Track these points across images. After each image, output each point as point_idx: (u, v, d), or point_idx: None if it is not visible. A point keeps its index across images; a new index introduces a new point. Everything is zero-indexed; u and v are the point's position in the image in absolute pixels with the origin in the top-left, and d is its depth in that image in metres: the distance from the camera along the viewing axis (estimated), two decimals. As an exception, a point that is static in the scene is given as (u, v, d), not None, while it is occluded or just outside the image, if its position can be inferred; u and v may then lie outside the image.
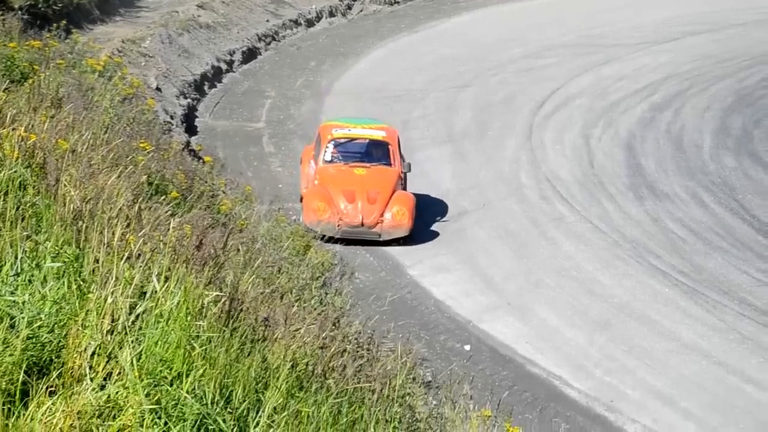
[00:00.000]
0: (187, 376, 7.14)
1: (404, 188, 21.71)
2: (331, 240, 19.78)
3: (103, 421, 6.77)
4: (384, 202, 20.96)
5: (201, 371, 7.23)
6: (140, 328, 7.45)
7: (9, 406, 6.65)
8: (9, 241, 7.86)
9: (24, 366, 6.83)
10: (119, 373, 7.08)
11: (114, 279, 7.62)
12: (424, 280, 19.64)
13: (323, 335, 10.18)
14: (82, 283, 7.68)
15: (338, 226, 20.59)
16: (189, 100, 27.55)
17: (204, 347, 7.41)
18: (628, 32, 37.12)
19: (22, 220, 8.39)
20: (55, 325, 7.24)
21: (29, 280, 7.60)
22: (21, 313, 7.15)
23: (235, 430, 7.03)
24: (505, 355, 17.21)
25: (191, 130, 26.08)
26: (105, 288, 7.53)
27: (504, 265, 20.28)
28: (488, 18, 38.81)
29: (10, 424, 6.54)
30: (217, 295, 8.43)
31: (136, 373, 7.00)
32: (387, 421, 8.78)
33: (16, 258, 7.73)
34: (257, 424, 7.15)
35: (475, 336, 17.74)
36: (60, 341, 7.16)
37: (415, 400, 11.94)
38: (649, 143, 27.00)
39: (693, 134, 27.88)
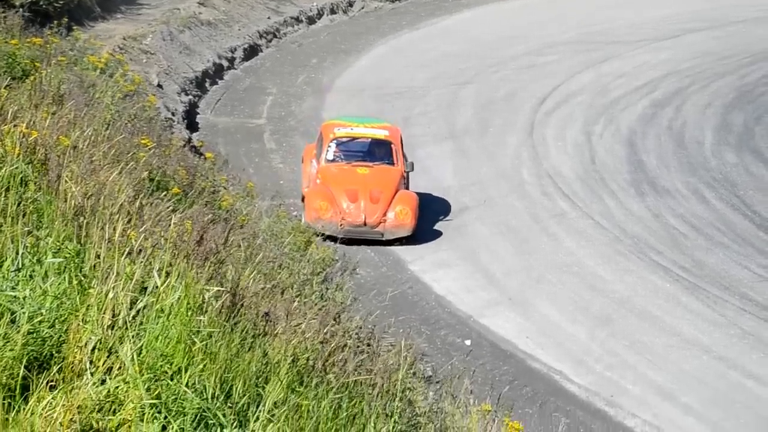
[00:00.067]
0: (188, 371, 7.17)
1: (407, 187, 21.61)
2: (330, 238, 19.74)
3: (104, 416, 6.79)
4: (387, 201, 20.88)
5: (201, 366, 7.25)
6: (141, 323, 7.47)
7: (9, 400, 6.67)
8: (10, 237, 7.89)
9: (24, 361, 6.85)
10: (120, 367, 7.10)
11: (115, 274, 7.64)
12: (425, 276, 19.66)
13: (324, 330, 10.21)
14: (83, 278, 7.71)
15: (341, 225, 20.48)
16: (190, 96, 27.57)
17: (204, 342, 7.44)
18: (628, 29, 37.12)
19: (24, 215, 8.42)
20: (56, 320, 7.26)
21: (30, 276, 7.62)
22: (22, 308, 7.18)
23: (235, 424, 7.05)
24: (506, 350, 17.24)
25: (192, 126, 26.11)
26: (106, 283, 7.56)
27: (505, 261, 20.30)
28: (489, 15, 38.81)
29: (11, 419, 6.56)
30: (218, 291, 8.45)
31: (137, 368, 7.03)
32: (387, 415, 8.80)
33: (17, 253, 7.76)
34: (257, 418, 7.17)
35: (476, 331, 17.76)
36: (60, 336, 7.18)
37: (416, 394, 11.96)
38: (650, 139, 27.01)
39: (694, 130, 27.88)
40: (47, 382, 6.87)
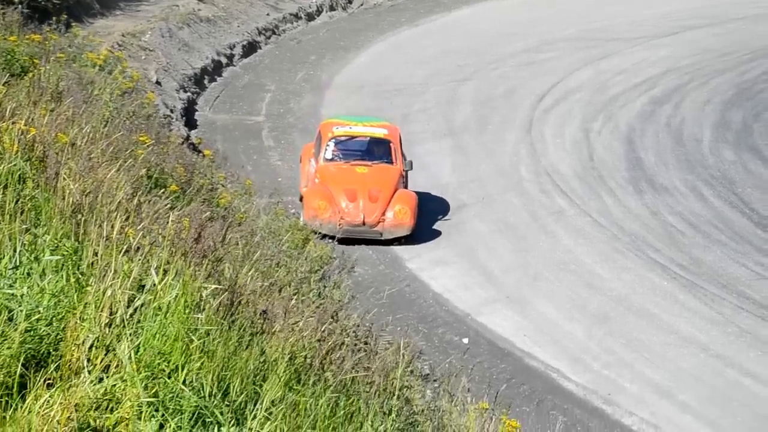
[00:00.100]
0: (185, 368, 7.17)
1: (406, 186, 21.50)
2: (328, 237, 19.71)
3: (101, 414, 6.80)
4: (386, 200, 20.75)
5: (199, 364, 7.26)
6: (138, 321, 7.48)
7: (7, 398, 6.68)
8: (8, 234, 7.89)
9: (22, 359, 6.86)
10: (117, 366, 7.11)
11: (113, 272, 7.65)
12: (422, 274, 19.66)
13: (321, 328, 10.22)
14: (80, 276, 7.72)
15: (339, 225, 20.36)
16: (189, 93, 27.57)
17: (202, 340, 7.45)
18: (627, 26, 37.12)
19: (21, 213, 8.43)
20: (54, 318, 7.27)
21: (28, 273, 7.63)
22: (19, 306, 7.18)
23: (232, 422, 7.06)
24: (504, 348, 17.24)
25: (191, 123, 26.10)
26: (103, 281, 7.57)
27: (503, 259, 20.30)
28: (488, 12, 38.81)
29: (8, 417, 6.57)
30: (216, 288, 8.46)
31: (134, 366, 7.04)
32: (385, 413, 8.81)
33: (14, 251, 7.77)
34: (255, 416, 7.18)
35: (474, 329, 17.76)
36: (58, 334, 7.19)
37: (413, 392, 11.98)
38: (648, 137, 27.01)
39: (693, 128, 27.89)
40: (45, 380, 6.88)
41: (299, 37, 35.04)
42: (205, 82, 29.30)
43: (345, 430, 7.99)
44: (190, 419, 6.93)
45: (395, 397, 9.62)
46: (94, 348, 7.18)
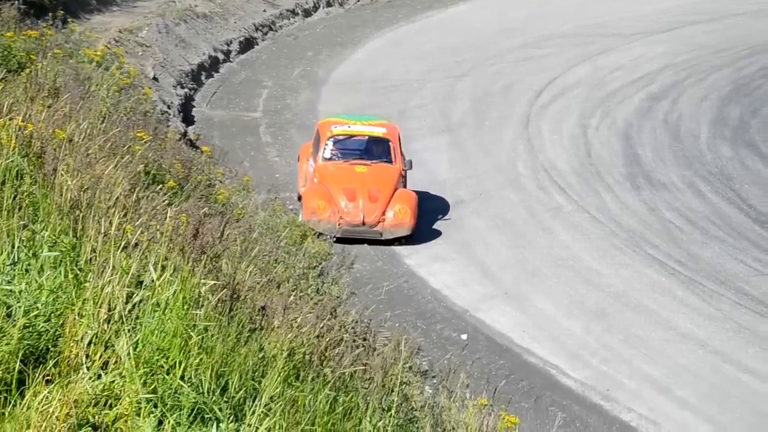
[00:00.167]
0: (184, 365, 7.16)
1: (405, 186, 21.34)
2: (325, 235, 19.65)
3: (100, 410, 6.79)
4: (385, 200, 20.60)
5: (197, 360, 7.25)
6: (137, 318, 7.47)
7: (5, 395, 6.67)
8: (6, 231, 7.88)
9: (20, 355, 6.85)
10: (116, 362, 7.10)
11: (111, 268, 7.63)
12: (421, 270, 19.64)
13: (320, 324, 10.21)
14: (78, 272, 7.70)
15: (339, 225, 20.23)
16: (186, 89, 27.54)
17: (201, 336, 7.43)
18: (625, 22, 37.12)
19: (19, 209, 8.41)
20: (52, 314, 7.25)
21: (26, 270, 7.62)
22: (18, 302, 7.17)
23: (231, 418, 7.05)
24: (502, 344, 17.23)
25: (188, 119, 26.08)
26: (102, 277, 7.55)
27: (501, 255, 20.30)
28: (486, 7, 38.79)
29: (7, 413, 6.56)
30: (214, 285, 8.45)
31: (133, 362, 7.02)
32: (383, 409, 8.80)
33: (12, 247, 7.75)
34: (253, 412, 7.16)
35: (472, 325, 17.76)
36: (56, 330, 7.18)
37: (412, 389, 11.96)
38: (646, 133, 27.01)
39: (690, 124, 27.89)
40: (43, 377, 6.86)
41: (296, 33, 35.01)
42: (202, 78, 29.29)
43: (344, 426, 7.98)
44: (189, 415, 6.91)
45: (394, 393, 9.60)
46: (92, 344, 7.16)
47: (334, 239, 19.53)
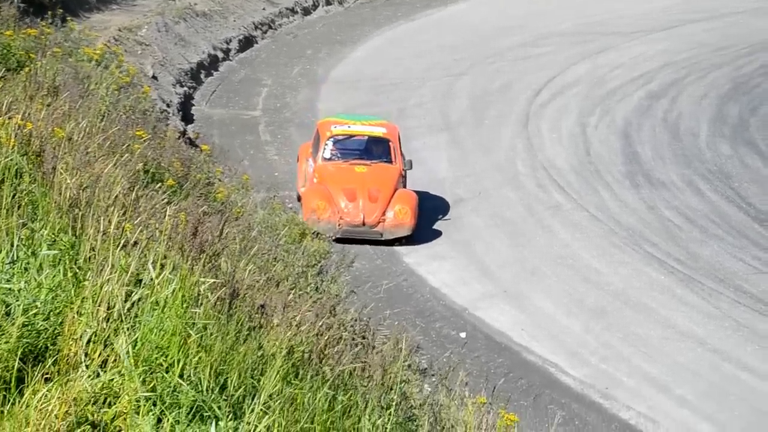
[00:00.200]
0: (183, 363, 7.17)
1: (405, 186, 21.22)
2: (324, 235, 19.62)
3: (99, 409, 6.80)
4: (386, 200, 20.46)
5: (196, 358, 7.26)
6: (136, 316, 7.48)
7: (4, 393, 6.68)
8: (5, 229, 7.89)
9: (19, 353, 6.86)
10: (115, 360, 7.11)
11: (110, 267, 7.64)
12: (419, 268, 19.63)
13: (319, 323, 10.22)
14: (77, 270, 7.71)
15: (339, 225, 20.09)
16: (185, 88, 27.54)
17: (200, 335, 7.44)
18: (625, 20, 37.12)
19: (18, 207, 8.42)
20: (51, 313, 7.26)
21: (25, 268, 7.62)
22: (17, 300, 7.18)
23: (230, 416, 7.06)
24: (501, 342, 17.23)
25: (187, 118, 26.07)
26: (101, 276, 7.56)
27: (500, 253, 20.29)
28: (485, 6, 38.79)
29: (6, 411, 6.56)
30: (213, 283, 8.46)
31: (132, 361, 7.03)
32: (383, 407, 8.81)
33: (12, 246, 7.76)
34: (252, 410, 7.17)
35: (471, 323, 17.75)
36: (56, 329, 7.19)
37: (411, 387, 11.97)
38: (645, 131, 27.01)
39: (689, 122, 27.89)
40: (42, 375, 6.87)
41: (295, 31, 35.01)
42: (202, 76, 29.28)
43: (343, 424, 7.98)
44: (188, 413, 6.92)
45: (393, 391, 9.61)
46: (91, 342, 7.17)
47: (334, 240, 19.48)
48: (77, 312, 7.27)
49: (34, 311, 7.16)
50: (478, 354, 16.71)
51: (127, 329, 7.25)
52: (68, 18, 24.42)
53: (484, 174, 23.96)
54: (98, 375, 6.98)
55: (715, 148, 26.16)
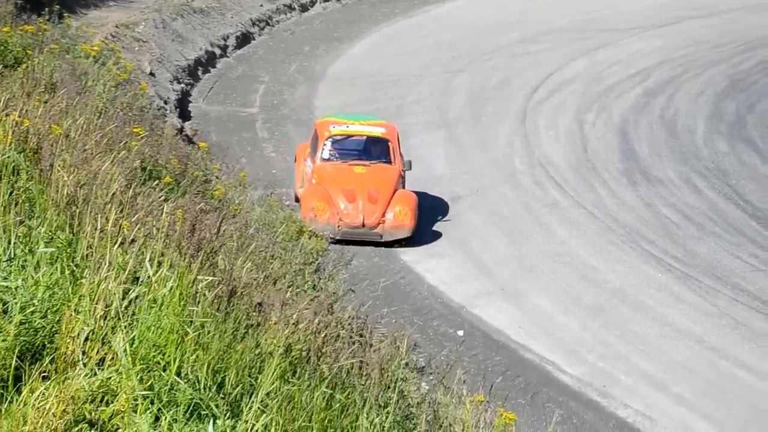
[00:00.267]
0: (180, 361, 7.16)
1: (404, 186, 21.08)
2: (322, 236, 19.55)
3: (96, 407, 6.79)
4: (385, 201, 20.31)
5: (194, 356, 7.25)
6: (133, 314, 7.46)
7: (2, 391, 6.66)
8: (2, 227, 7.87)
9: (17, 351, 6.84)
10: (112, 358, 7.10)
11: (107, 264, 7.63)
12: (417, 266, 19.62)
13: (317, 321, 10.20)
14: (75, 268, 7.70)
15: (338, 226, 19.97)
16: (183, 85, 27.52)
17: (197, 333, 7.43)
18: (623, 17, 37.12)
19: (16, 205, 8.40)
20: (48, 311, 7.25)
21: (22, 266, 7.61)
22: (14, 298, 7.17)
23: (228, 414, 7.05)
24: (498, 340, 17.23)
25: (185, 115, 26.05)
26: (98, 273, 7.55)
27: (497, 251, 20.28)
28: (483, 2, 38.78)
29: (3, 410, 6.55)
30: (211, 281, 8.44)
31: (130, 359, 7.02)
32: (380, 406, 8.80)
33: (9, 243, 7.75)
34: (250, 408, 7.16)
35: (469, 321, 17.74)
36: (53, 326, 7.17)
37: (409, 385, 11.96)
38: (642, 128, 27.01)
39: (686, 119, 27.90)
40: (40, 373, 6.86)
41: (293, 28, 34.99)
42: (199, 73, 29.26)
43: (340, 422, 7.98)
44: (186, 412, 6.91)
45: (390, 389, 9.60)
46: (89, 340, 7.16)
47: (332, 240, 19.38)
48: (74, 310, 7.26)
49: (31, 309, 7.15)
50: (476, 352, 16.70)
51: (125, 327, 7.23)
52: (65, 14, 24.39)
53: (482, 171, 23.95)
54: (95, 373, 6.96)
55: (712, 145, 26.16)
